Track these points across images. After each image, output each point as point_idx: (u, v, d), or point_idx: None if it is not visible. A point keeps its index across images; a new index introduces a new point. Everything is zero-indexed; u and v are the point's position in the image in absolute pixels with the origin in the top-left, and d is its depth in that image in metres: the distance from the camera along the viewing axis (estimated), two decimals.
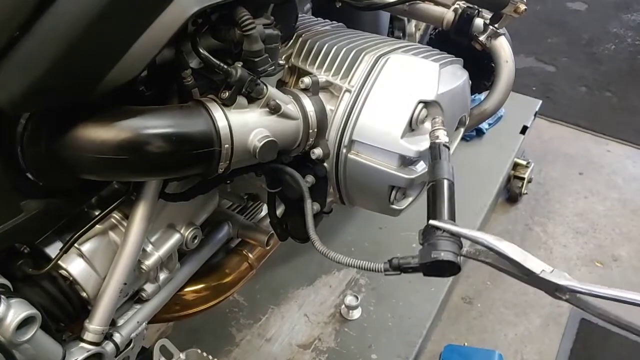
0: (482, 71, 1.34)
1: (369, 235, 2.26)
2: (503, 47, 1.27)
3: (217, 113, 0.90)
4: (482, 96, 1.41)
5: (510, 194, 2.78)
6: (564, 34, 4.05)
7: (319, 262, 2.17)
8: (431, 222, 0.79)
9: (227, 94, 0.91)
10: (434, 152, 0.88)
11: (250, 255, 1.44)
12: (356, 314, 2.00)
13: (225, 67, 0.90)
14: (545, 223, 2.70)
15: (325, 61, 1.07)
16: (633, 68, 3.73)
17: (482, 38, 1.27)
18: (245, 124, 0.93)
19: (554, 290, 0.73)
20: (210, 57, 0.88)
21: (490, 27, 1.26)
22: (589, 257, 2.54)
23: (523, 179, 2.72)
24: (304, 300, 2.06)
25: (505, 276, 0.79)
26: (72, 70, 0.73)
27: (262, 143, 0.93)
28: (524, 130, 2.76)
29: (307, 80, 1.03)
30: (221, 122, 0.89)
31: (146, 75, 0.89)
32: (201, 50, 0.89)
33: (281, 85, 1.12)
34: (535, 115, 2.89)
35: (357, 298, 2.00)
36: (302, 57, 1.10)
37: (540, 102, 2.97)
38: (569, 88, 3.54)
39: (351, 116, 1.01)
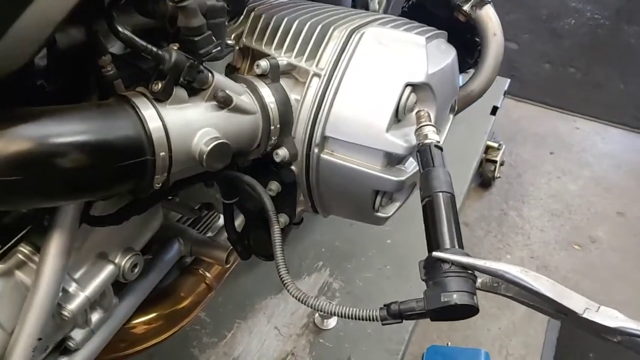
0: (465, 47, 1.16)
1: (340, 233, 2.09)
2: (490, 17, 1.09)
3: (148, 111, 0.68)
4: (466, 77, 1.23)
5: (483, 178, 2.66)
6: (524, 10, 3.95)
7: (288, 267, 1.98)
8: (434, 254, 0.61)
9: (159, 85, 0.70)
10: (424, 157, 0.69)
11: (208, 275, 1.23)
12: (331, 322, 1.83)
13: (155, 50, 0.67)
14: (520, 207, 2.61)
15: (285, 39, 0.85)
16: (594, 42, 3.67)
17: (465, 7, 1.09)
18: (187, 124, 0.72)
19: (600, 332, 0.56)
20: (134, 37, 0.66)
21: None
22: (567, 239, 2.47)
23: (495, 162, 2.60)
24: (273, 311, 1.88)
25: None
26: None
27: (210, 147, 0.72)
28: (494, 110, 2.63)
29: (263, 63, 0.82)
30: (153, 123, 0.68)
31: (46, 65, 0.66)
32: (120, 29, 0.67)
33: (232, 71, 0.90)
34: (504, 94, 2.77)
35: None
36: (256, 35, 0.89)
37: (509, 80, 2.85)
38: (533, 65, 3.46)
39: (322, 107, 0.81)
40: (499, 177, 2.65)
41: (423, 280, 0.63)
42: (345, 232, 2.07)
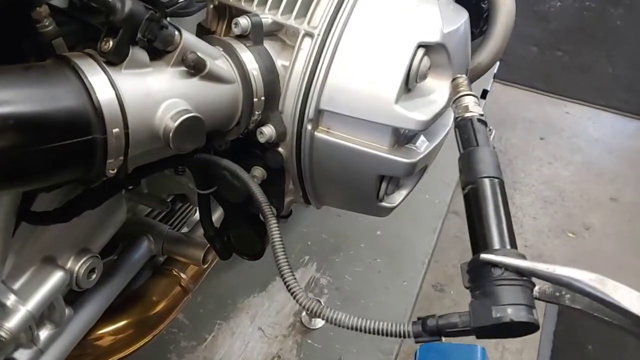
0: (470, 14, 1.02)
1: (327, 225, 1.97)
2: None
3: (96, 76, 0.53)
4: None
5: None
6: None
7: (270, 262, 1.84)
8: (483, 255, 0.47)
9: (110, 43, 0.54)
10: (465, 135, 0.55)
11: (183, 276, 1.09)
12: (320, 321, 1.70)
13: None
14: (512, 194, 2.51)
15: None
16: (581, 25, 3.59)
17: None
18: (148, 93, 0.57)
19: None
20: None
21: None
22: (560, 227, 2.39)
23: None
24: (257, 310, 1.75)
25: None
26: None
27: (177, 122, 0.57)
28: (484, 94, 2.52)
29: (243, 21, 0.67)
30: (103, 91, 0.53)
31: None
32: None
33: (205, 33, 0.75)
34: (493, 77, 2.66)
35: (319, 303, 1.68)
36: None
37: (498, 63, 2.73)
38: (520, 48, 3.36)
39: (316, 74, 0.66)
40: None
41: (467, 287, 0.49)
42: (332, 224, 1.95)
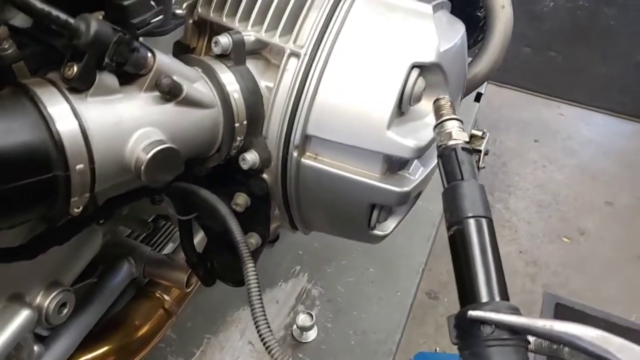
0: (465, 23, 0.98)
1: (319, 234, 1.90)
2: None
3: (56, 106, 0.48)
4: None
5: None
6: None
7: (260, 274, 1.79)
8: (471, 313, 0.42)
9: (74, 69, 0.49)
10: (448, 166, 0.50)
11: (167, 298, 1.04)
12: (311, 334, 1.66)
13: (64, 17, 0.47)
14: (506, 199, 2.48)
15: (252, 8, 0.65)
16: (574, 25, 3.56)
17: None
18: (117, 122, 0.52)
19: None
20: (31, 0, 0.45)
21: None
22: (555, 232, 2.35)
23: (480, 151, 2.46)
24: (247, 323, 1.69)
25: None
26: None
27: (150, 154, 0.52)
28: (478, 97, 2.48)
29: (224, 40, 0.61)
30: (64, 123, 0.48)
31: None
32: None
33: (184, 51, 0.70)
34: (487, 80, 2.62)
35: (311, 316, 1.64)
36: (215, 4, 0.68)
37: None
38: (513, 49, 3.29)
39: (302, 97, 0.61)
40: (484, 167, 2.51)
41: (455, 344, 0.45)
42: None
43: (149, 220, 0.97)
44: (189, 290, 0.98)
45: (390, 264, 1.81)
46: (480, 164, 2.49)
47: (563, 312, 2.05)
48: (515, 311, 0.44)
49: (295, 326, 1.62)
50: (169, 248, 1.18)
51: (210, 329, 1.64)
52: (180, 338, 1.61)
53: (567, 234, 2.35)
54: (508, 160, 2.67)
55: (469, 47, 1.09)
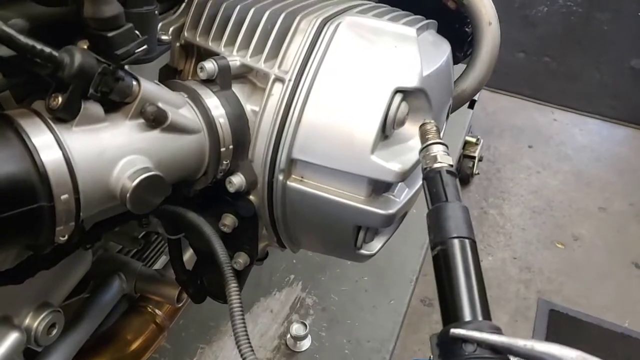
0: (453, 39, 0.99)
1: None
2: (484, 3, 0.93)
3: (41, 137, 0.48)
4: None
5: (462, 175, 2.52)
6: None
7: (254, 283, 1.81)
8: (453, 330, 0.43)
9: (59, 99, 0.49)
10: (433, 188, 0.51)
11: (158, 313, 1.04)
12: (305, 343, 1.66)
13: (48, 50, 0.47)
14: (500, 205, 2.49)
15: (238, 33, 0.66)
16: (568, 30, 3.58)
17: None
18: (102, 151, 0.52)
19: None
20: (12, 33, 0.46)
21: None
22: (549, 238, 2.37)
23: (474, 157, 2.47)
24: None
25: None
26: None
27: (135, 182, 0.52)
28: (472, 104, 2.48)
29: (209, 65, 0.62)
30: (49, 154, 0.48)
31: None
32: None
33: (172, 75, 0.70)
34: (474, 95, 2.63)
35: (305, 326, 1.65)
36: (200, 28, 0.69)
37: None
38: (507, 54, 3.34)
39: (287, 121, 0.62)
40: (478, 173, 2.52)
41: None
42: None
43: (140, 237, 0.97)
44: (180, 305, 0.99)
45: (383, 272, 1.81)
46: (474, 170, 2.50)
47: (557, 318, 2.06)
48: (497, 330, 0.45)
49: (289, 335, 1.62)
50: (161, 261, 1.19)
51: (204, 339, 1.65)
52: (175, 348, 1.61)
53: (561, 240, 2.36)
54: (502, 166, 2.69)
55: (459, 61, 1.10)
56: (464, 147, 2.46)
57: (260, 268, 1.93)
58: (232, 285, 0.58)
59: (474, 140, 2.49)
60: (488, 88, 3.10)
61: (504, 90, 3.14)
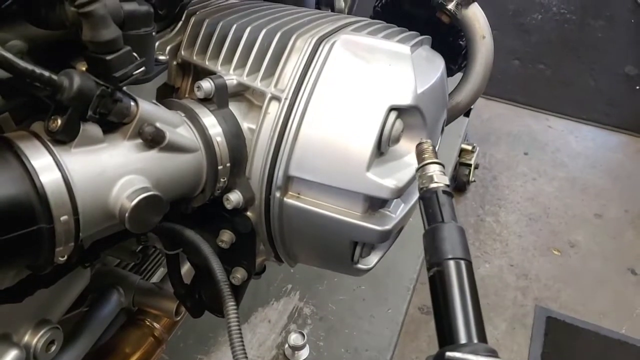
0: (447, 52, 1.00)
1: None
2: (477, 18, 0.94)
3: (40, 159, 0.49)
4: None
5: (458, 183, 2.53)
6: (490, 5, 3.86)
7: (252, 293, 1.81)
8: (448, 354, 0.44)
9: (58, 122, 0.50)
10: (429, 209, 0.51)
11: (156, 326, 1.04)
12: (303, 353, 1.66)
13: (47, 74, 0.48)
14: (497, 212, 2.50)
15: (234, 52, 0.67)
16: (562, 38, 3.61)
17: (450, 6, 0.93)
18: (101, 172, 0.53)
19: None
20: (10, 56, 0.46)
21: None
22: (546, 245, 2.37)
23: (470, 165, 2.48)
24: None
25: None
26: None
27: (134, 202, 0.53)
28: (467, 112, 2.50)
29: (206, 84, 0.63)
30: (48, 176, 0.49)
31: None
32: None
33: (169, 93, 0.71)
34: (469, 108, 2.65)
35: (303, 335, 1.65)
36: (197, 47, 0.70)
37: None
38: (502, 62, 3.36)
39: (284, 139, 0.63)
40: (474, 180, 2.53)
41: None
42: None
43: (138, 250, 0.98)
44: (178, 319, 0.99)
45: (381, 281, 1.82)
46: (470, 177, 2.51)
47: (554, 325, 2.07)
48: (493, 353, 0.46)
49: (287, 345, 1.62)
50: (159, 274, 1.19)
51: (202, 350, 1.64)
52: (173, 359, 1.61)
53: (557, 247, 2.37)
54: (498, 174, 2.70)
55: (454, 73, 1.11)
56: (460, 155, 2.47)
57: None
58: (230, 304, 0.58)
59: (470, 147, 2.50)
60: (483, 96, 3.11)
61: (499, 98, 3.16)
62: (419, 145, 0.57)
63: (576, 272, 2.26)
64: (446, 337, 0.47)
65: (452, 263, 0.49)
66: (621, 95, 3.13)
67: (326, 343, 1.69)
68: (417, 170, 0.55)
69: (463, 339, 0.46)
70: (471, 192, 2.58)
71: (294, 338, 1.64)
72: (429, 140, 0.57)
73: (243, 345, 0.56)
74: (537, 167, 2.74)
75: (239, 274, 0.74)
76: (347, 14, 1.55)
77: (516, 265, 2.27)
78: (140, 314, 1.05)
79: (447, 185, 0.54)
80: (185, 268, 0.92)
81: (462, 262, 0.49)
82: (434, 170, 0.54)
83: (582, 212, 2.53)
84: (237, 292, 0.77)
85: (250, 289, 1.89)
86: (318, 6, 1.36)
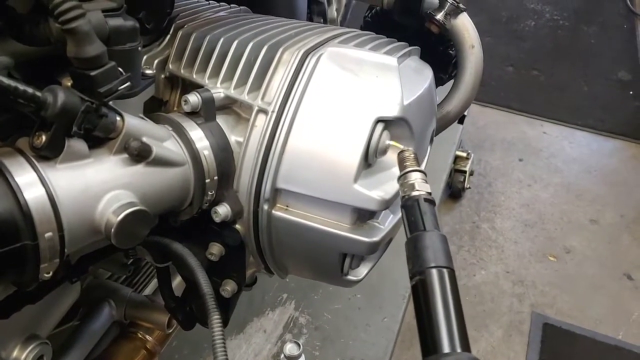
0: (437, 61, 1.01)
1: None
2: (467, 27, 0.94)
3: (24, 175, 0.49)
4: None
5: (453, 189, 2.54)
6: (483, 13, 3.89)
7: (247, 302, 1.80)
8: None
9: (43, 138, 0.50)
10: (411, 217, 0.51)
11: (149, 339, 1.04)
12: None
13: (30, 90, 0.48)
14: (492, 218, 2.50)
15: (221, 66, 0.67)
16: (555, 44, 3.64)
17: (438, 17, 0.93)
18: (87, 188, 0.53)
19: None
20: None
21: (449, 1, 0.92)
22: (542, 251, 2.37)
23: (465, 172, 2.48)
24: (234, 353, 1.70)
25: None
26: None
27: (120, 217, 0.53)
28: (461, 119, 2.50)
29: (193, 98, 0.63)
30: (32, 192, 0.49)
31: None
32: None
33: (158, 106, 0.71)
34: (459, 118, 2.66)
35: (298, 345, 1.63)
36: (185, 60, 0.70)
37: None
38: (496, 69, 3.38)
39: (271, 151, 0.63)
40: (469, 187, 2.54)
41: None
42: None
43: (129, 263, 0.97)
44: (170, 331, 0.99)
45: (376, 289, 1.81)
46: (465, 184, 2.51)
47: (551, 332, 2.06)
48: None
49: (282, 355, 1.61)
50: (151, 286, 1.19)
51: None
52: None
53: (553, 253, 2.37)
54: (493, 180, 2.70)
55: (444, 82, 1.12)
56: (455, 162, 2.47)
57: (253, 287, 1.92)
58: (215, 317, 0.58)
59: (464, 154, 2.50)
60: (477, 102, 3.12)
61: (494, 104, 3.16)
62: (400, 153, 0.57)
63: (572, 278, 2.26)
64: (429, 346, 0.46)
65: (434, 271, 0.49)
66: (615, 101, 3.14)
67: (322, 353, 1.69)
68: (399, 178, 0.55)
69: (446, 349, 0.45)
70: (466, 198, 2.58)
71: (290, 348, 1.63)
72: (410, 149, 0.57)
73: (226, 357, 0.55)
74: (532, 173, 2.74)
75: (229, 287, 0.73)
76: (340, 23, 1.56)
77: (512, 272, 2.27)
78: (132, 327, 1.05)
79: (429, 193, 0.53)
80: (177, 281, 0.91)
81: (445, 271, 0.49)
82: (415, 178, 0.54)
83: (577, 217, 2.53)
84: (228, 304, 0.77)
85: (245, 299, 1.89)
86: (310, 16, 1.37)
